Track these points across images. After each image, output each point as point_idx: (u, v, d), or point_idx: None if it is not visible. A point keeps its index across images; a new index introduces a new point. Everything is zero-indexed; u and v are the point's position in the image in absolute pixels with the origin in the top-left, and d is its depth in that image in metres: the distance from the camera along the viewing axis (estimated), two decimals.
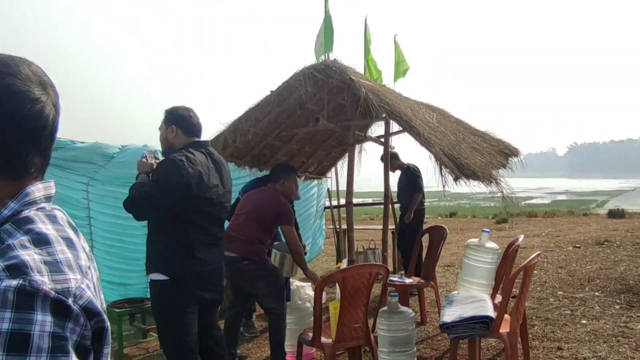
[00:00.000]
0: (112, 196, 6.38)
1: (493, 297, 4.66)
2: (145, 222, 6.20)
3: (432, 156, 4.27)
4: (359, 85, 4.43)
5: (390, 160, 6.15)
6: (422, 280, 5.66)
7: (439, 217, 23.76)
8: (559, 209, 24.16)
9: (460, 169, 4.29)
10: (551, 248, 10.67)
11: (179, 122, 3.42)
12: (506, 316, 3.98)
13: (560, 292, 6.89)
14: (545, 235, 12.92)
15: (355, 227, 9.84)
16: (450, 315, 4.00)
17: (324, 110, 5.01)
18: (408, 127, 4.33)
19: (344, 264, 7.62)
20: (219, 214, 3.45)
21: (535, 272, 7.93)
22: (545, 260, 9.28)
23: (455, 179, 4.27)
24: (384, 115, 4.41)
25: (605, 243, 10.91)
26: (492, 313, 3.91)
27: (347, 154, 7.00)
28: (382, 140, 6.13)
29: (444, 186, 4.32)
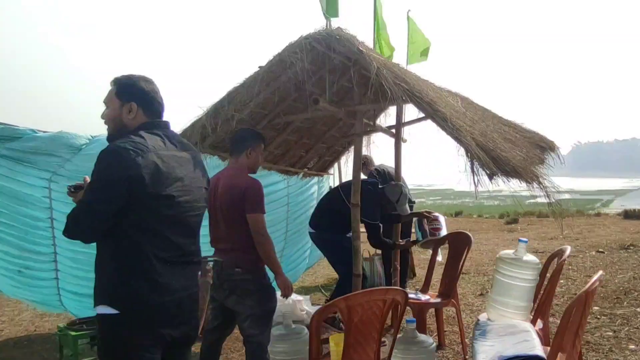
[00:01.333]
0: None
1: (533, 322, 3.76)
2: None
3: (462, 149, 3.36)
4: (369, 59, 3.53)
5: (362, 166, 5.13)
6: (441, 298, 4.75)
7: (445, 217, 22.83)
8: (566, 209, 23.21)
9: (497, 164, 3.38)
10: (573, 253, 9.74)
11: (141, 98, 2.56)
12: (560, 354, 3.06)
13: (596, 308, 5.98)
14: (563, 238, 12.00)
15: (361, 229, 9.02)
16: (486, 352, 3.10)
17: (325, 93, 4.11)
18: (432, 111, 3.41)
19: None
20: (186, 219, 2.55)
21: (561, 280, 7.03)
22: (570, 267, 8.38)
23: (491, 177, 3.35)
24: (401, 97, 3.49)
25: (631, 247, 10.00)
26: (542, 351, 3.00)
27: (352, 147, 6.12)
28: (394, 131, 5.23)
29: (475, 185, 3.40)
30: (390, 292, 2.81)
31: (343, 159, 6.54)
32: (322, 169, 6.26)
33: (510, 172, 3.40)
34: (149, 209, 2.37)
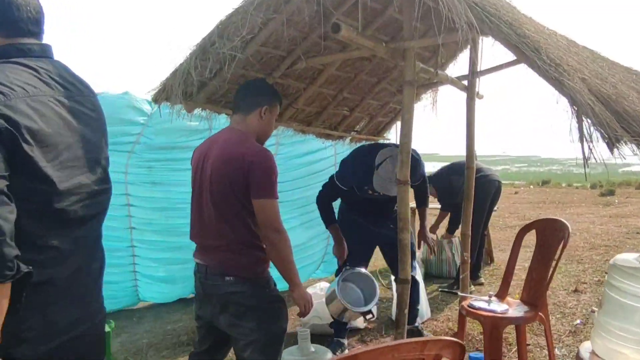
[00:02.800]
0: None
1: None
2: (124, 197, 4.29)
3: (570, 102, 2.08)
4: None
5: None
6: (525, 308, 3.46)
7: (531, 187, 20.97)
8: None
9: (623, 124, 2.07)
10: None
11: None
12: None
13: None
14: None
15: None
16: None
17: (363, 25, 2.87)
18: (527, 50, 2.15)
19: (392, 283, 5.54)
20: (82, 209, 1.56)
21: None
22: None
23: (612, 143, 2.05)
24: (475, 27, 2.24)
25: None
26: None
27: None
28: (466, 82, 3.90)
29: (586, 154, 2.11)
30: (432, 346, 1.61)
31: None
32: (375, 132, 5.02)
33: None
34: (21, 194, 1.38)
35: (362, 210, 4.03)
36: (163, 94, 3.09)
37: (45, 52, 1.55)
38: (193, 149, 4.90)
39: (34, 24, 1.55)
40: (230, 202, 2.46)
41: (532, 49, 2.24)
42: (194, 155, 2.79)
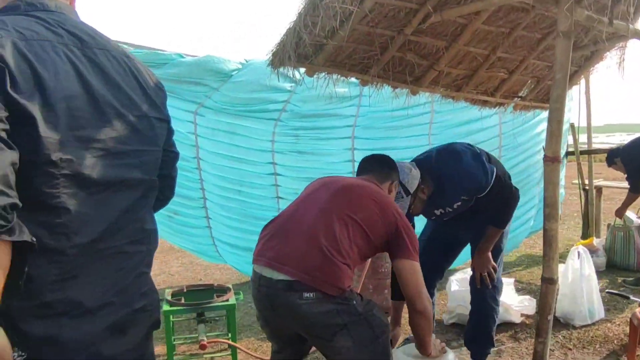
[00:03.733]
0: (227, 130, 4.64)
1: None
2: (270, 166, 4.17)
3: None
4: None
5: None
6: None
7: None
8: None
9: None
10: None
11: None
12: None
13: None
14: None
15: (607, 183, 6.77)
16: None
17: None
18: None
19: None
20: (101, 169, 1.37)
21: None
22: None
23: None
24: None
25: None
26: None
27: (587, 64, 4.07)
28: None
29: None
30: None
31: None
32: (545, 97, 4.29)
33: None
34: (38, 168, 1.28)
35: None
36: (278, 58, 2.85)
37: (60, 8, 1.37)
38: (340, 117, 4.76)
39: None
40: (363, 226, 2.33)
41: None
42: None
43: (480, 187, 2.89)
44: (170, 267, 5.83)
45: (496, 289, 3.18)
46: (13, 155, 1.12)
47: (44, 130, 1.19)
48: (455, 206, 3.00)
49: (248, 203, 4.77)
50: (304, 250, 2.19)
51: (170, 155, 1.64)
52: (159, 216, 4.58)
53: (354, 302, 2.22)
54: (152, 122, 1.49)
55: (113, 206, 1.36)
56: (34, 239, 1.13)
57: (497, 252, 3.14)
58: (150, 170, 1.50)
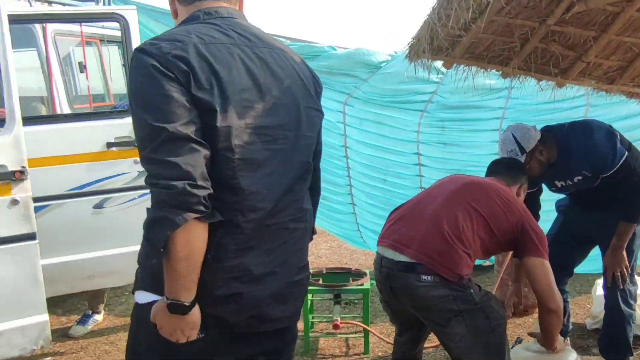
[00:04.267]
0: (374, 120, 4.84)
1: None
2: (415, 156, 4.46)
3: None
4: None
5: None
6: None
7: None
8: None
9: None
10: None
11: None
12: None
13: None
14: None
15: None
16: None
17: None
18: None
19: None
20: (266, 152, 1.56)
21: None
22: None
23: None
24: None
25: None
26: None
27: None
28: None
29: None
30: None
31: None
32: None
33: None
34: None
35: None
36: (414, 51, 2.92)
37: (231, 14, 1.61)
38: (488, 108, 4.67)
39: None
40: (481, 213, 2.41)
41: None
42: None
43: (604, 166, 2.86)
44: (319, 250, 6.12)
45: (629, 292, 3.00)
46: (205, 152, 1.39)
47: (222, 119, 1.43)
48: (575, 180, 2.98)
49: (392, 192, 4.87)
50: (426, 234, 2.29)
51: (318, 147, 1.80)
52: None
53: (471, 291, 2.27)
54: (308, 111, 1.68)
55: (278, 186, 1.56)
56: (222, 218, 1.42)
57: (629, 254, 2.97)
58: (307, 154, 1.69)
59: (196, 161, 1.36)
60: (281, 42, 1.73)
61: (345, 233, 5.42)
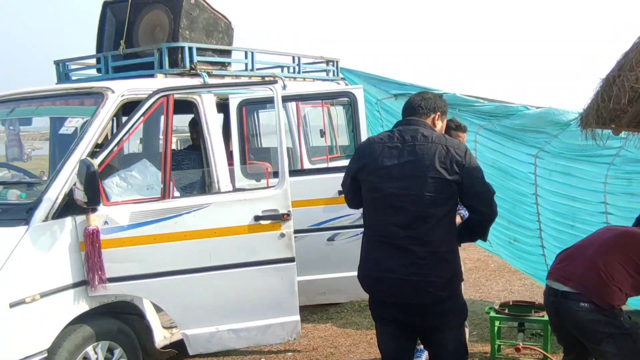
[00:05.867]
0: (563, 172, 5.44)
1: None
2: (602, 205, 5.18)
3: None
4: None
5: None
6: None
7: None
8: None
9: None
10: None
11: None
12: None
13: None
14: None
15: None
16: None
17: None
18: None
19: None
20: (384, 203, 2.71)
21: None
22: None
23: None
24: None
25: None
26: None
27: None
28: None
29: None
30: None
31: None
32: None
33: None
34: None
35: None
36: (584, 121, 3.56)
37: (409, 123, 2.62)
38: None
39: (408, 108, 2.75)
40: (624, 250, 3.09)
41: None
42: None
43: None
44: (513, 286, 6.69)
45: None
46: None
47: (372, 184, 2.71)
48: None
49: (579, 237, 5.24)
50: (585, 270, 3.00)
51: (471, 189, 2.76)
52: (502, 242, 5.62)
53: (621, 319, 2.91)
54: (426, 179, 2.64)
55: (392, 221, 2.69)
56: None
57: None
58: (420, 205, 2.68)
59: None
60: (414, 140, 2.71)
61: (535, 272, 5.93)
